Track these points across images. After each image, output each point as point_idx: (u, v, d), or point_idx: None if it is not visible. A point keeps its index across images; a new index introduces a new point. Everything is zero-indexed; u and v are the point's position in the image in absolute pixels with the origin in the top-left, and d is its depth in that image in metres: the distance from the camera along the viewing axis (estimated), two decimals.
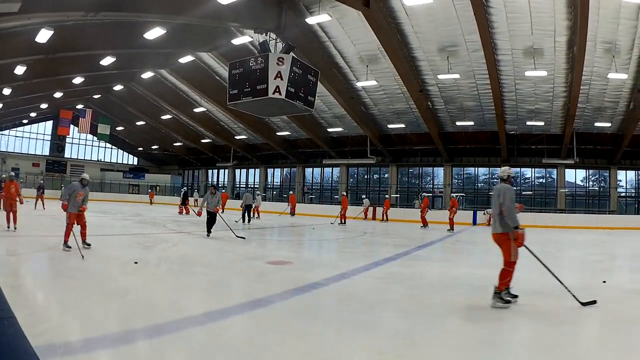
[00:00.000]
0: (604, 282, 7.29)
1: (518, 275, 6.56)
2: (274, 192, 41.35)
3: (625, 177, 28.13)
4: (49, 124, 46.00)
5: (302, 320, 4.88)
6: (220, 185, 46.40)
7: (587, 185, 29.60)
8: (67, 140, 47.16)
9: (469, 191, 32.19)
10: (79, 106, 37.69)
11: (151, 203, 37.84)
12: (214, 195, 12.94)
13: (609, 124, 23.95)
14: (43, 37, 16.12)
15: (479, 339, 4.41)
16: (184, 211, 24.74)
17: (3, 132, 43.87)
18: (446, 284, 7.20)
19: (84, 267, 7.25)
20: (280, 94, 12.23)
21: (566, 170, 28.82)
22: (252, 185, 40.99)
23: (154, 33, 17.02)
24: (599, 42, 16.99)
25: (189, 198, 26.41)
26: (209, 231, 12.61)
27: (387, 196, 29.42)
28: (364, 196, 30.14)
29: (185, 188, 28.83)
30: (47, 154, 46.74)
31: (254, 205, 21.44)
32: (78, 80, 26.25)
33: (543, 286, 6.72)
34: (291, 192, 27.01)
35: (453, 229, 19.39)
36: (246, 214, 19.71)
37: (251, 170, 43.54)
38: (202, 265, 8.21)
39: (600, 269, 9.65)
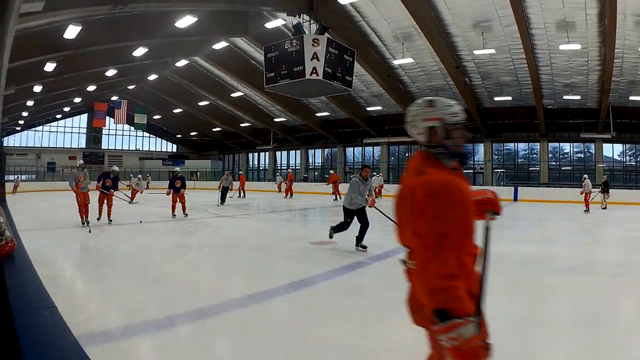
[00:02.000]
0: None
1: (553, 252, 6.33)
2: (316, 173, 41.57)
3: None
4: (84, 117, 47.83)
5: (345, 300, 5.02)
6: (262, 169, 46.74)
7: (624, 160, 29.63)
8: (104, 131, 48.66)
9: (509, 167, 32.39)
10: (114, 98, 38.25)
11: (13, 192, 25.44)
12: (367, 181, 8.01)
13: None
14: (71, 33, 16.30)
15: (519, 315, 4.50)
16: None
17: (37, 129, 45.62)
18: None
19: (124, 254, 7.41)
20: (317, 75, 12.31)
21: (604, 145, 28.91)
22: (293, 167, 40.91)
23: (185, 21, 17.07)
24: (628, 14, 17.20)
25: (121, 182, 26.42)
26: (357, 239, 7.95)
27: (288, 170, 31.51)
28: (277, 173, 36.86)
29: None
30: (84, 146, 48.51)
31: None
32: (111, 72, 26.93)
33: (580, 263, 6.55)
34: (332, 172, 26.99)
35: (337, 199, 21.91)
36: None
37: (292, 152, 44.50)
38: (245, 249, 8.38)
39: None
